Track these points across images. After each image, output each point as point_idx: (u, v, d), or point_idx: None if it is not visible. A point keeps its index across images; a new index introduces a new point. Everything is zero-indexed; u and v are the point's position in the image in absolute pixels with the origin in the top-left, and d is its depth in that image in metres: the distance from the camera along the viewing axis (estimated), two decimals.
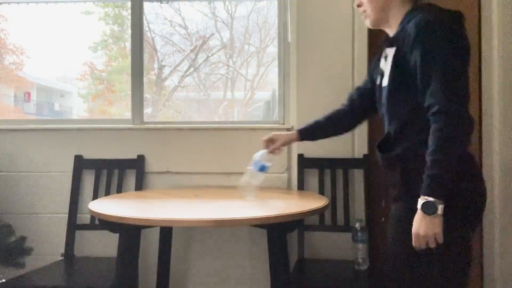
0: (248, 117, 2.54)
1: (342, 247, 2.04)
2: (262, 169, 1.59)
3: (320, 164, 2.06)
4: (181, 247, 2.16)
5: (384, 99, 1.24)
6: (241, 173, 2.06)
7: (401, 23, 1.19)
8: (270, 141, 1.62)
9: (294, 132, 1.62)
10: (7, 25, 2.53)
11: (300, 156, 2.08)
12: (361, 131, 2.04)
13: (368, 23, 1.30)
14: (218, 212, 1.43)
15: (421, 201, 1.05)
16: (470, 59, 1.11)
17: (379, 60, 1.30)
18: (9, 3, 2.44)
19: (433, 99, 1.05)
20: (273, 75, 2.36)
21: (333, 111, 1.56)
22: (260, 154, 1.60)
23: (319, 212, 1.51)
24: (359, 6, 1.30)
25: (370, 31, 2.08)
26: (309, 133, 1.60)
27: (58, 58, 2.57)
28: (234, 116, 2.59)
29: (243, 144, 2.11)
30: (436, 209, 1.03)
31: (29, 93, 2.70)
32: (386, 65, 1.23)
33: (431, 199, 1.03)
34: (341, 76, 2.08)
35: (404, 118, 1.19)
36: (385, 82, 1.22)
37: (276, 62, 2.28)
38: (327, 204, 1.56)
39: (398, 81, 1.18)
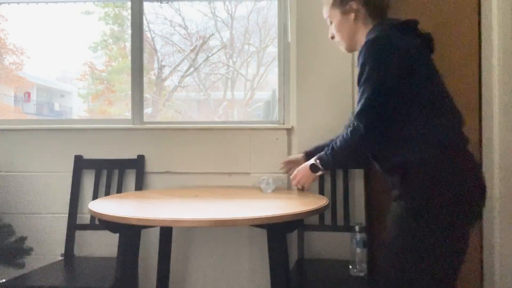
0: (248, 117, 2.54)
1: (342, 247, 2.04)
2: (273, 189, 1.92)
3: None
4: (181, 247, 2.16)
5: None
6: (241, 173, 2.07)
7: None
8: (288, 165, 1.93)
9: (301, 155, 1.87)
10: (7, 25, 2.53)
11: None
12: None
13: (344, 50, 1.47)
14: (218, 212, 1.43)
15: (313, 161, 1.47)
16: (409, 68, 1.18)
17: None
18: (9, 3, 2.45)
19: (355, 115, 1.24)
20: (273, 75, 2.36)
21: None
22: (270, 182, 1.91)
23: (319, 212, 1.51)
24: (332, 38, 1.49)
25: None
26: (313, 155, 1.66)
27: (58, 58, 2.57)
28: (234, 116, 2.59)
29: (243, 144, 2.11)
30: (318, 170, 1.49)
31: (29, 93, 2.70)
32: None
33: (319, 165, 1.46)
34: (341, 76, 2.08)
35: (383, 134, 1.26)
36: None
37: (276, 62, 2.28)
38: (327, 204, 1.56)
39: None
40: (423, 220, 1.14)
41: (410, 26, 1.26)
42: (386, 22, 1.30)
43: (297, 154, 1.93)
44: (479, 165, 1.23)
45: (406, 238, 1.17)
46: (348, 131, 1.27)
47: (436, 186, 1.14)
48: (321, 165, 1.45)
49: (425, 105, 1.17)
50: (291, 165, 1.89)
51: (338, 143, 1.33)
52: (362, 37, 1.33)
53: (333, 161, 1.39)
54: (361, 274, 1.76)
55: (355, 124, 1.24)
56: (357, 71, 2.04)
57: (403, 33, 1.21)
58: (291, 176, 1.61)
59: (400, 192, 1.23)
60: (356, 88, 2.04)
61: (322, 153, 1.44)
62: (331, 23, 1.48)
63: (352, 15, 1.37)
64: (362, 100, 1.21)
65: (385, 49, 1.17)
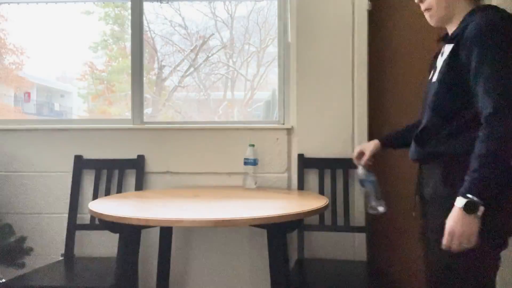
0: (248, 117, 2.54)
1: (342, 247, 2.05)
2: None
3: (320, 164, 2.06)
4: (181, 247, 2.16)
5: (431, 93, 1.24)
6: (241, 173, 2.07)
7: (463, 21, 1.19)
8: (360, 156, 1.65)
9: (376, 141, 1.62)
10: (7, 25, 2.53)
11: (300, 156, 2.08)
12: (361, 131, 2.05)
13: (431, 21, 1.29)
14: (218, 212, 1.43)
15: (463, 199, 1.03)
16: None
17: (435, 58, 1.31)
18: (9, 3, 2.45)
19: (486, 102, 1.05)
20: (273, 75, 2.36)
21: (415, 121, 1.49)
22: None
23: (319, 212, 1.51)
24: (421, 2, 1.29)
25: (370, 31, 2.08)
26: (390, 141, 1.60)
27: (58, 58, 2.57)
28: (234, 116, 2.59)
29: (243, 144, 2.11)
30: (478, 209, 1.02)
31: (29, 93, 2.70)
32: (440, 61, 1.24)
33: (475, 198, 1.02)
34: (341, 76, 2.08)
35: (449, 114, 1.18)
36: (435, 77, 1.23)
37: (276, 62, 2.28)
38: (327, 204, 1.56)
39: (450, 77, 1.18)
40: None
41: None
42: (498, 9, 1.17)
43: (369, 143, 1.65)
44: None
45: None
46: (490, 131, 1.04)
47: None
48: (482, 193, 1.03)
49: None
50: (359, 159, 1.64)
51: (483, 149, 1.04)
52: (459, 14, 1.21)
53: (494, 174, 1.04)
54: (382, 210, 1.58)
55: (500, 117, 1.03)
56: (357, 71, 2.05)
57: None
58: (445, 241, 1.08)
59: (438, 191, 1.17)
60: (356, 88, 2.07)
61: (469, 178, 1.04)
62: None
63: None
64: (495, 95, 1.04)
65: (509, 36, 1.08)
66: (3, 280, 1.85)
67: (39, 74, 2.78)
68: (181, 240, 2.16)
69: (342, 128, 2.07)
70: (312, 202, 1.58)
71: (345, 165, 2.04)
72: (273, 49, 2.37)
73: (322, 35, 2.10)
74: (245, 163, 2.02)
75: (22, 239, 2.06)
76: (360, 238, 2.03)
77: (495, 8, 1.18)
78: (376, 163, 1.67)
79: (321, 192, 2.03)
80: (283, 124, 2.21)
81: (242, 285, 2.14)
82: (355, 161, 1.66)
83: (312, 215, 1.43)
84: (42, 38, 2.50)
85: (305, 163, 2.07)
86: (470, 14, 1.18)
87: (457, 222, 1.04)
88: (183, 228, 2.13)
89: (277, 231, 1.47)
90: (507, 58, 1.07)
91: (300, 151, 2.09)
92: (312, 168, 2.08)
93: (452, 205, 1.07)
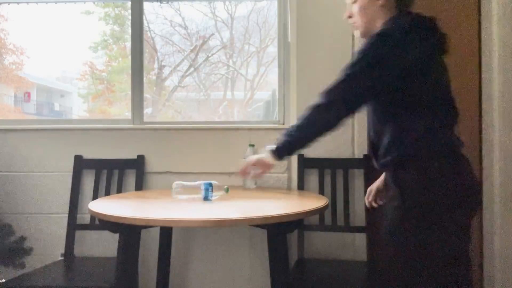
0: (248, 117, 2.54)
1: (342, 247, 2.05)
2: None
3: (320, 164, 2.06)
4: (181, 247, 2.16)
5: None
6: None
7: None
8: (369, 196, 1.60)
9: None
10: (7, 25, 2.53)
11: (300, 156, 2.08)
12: (361, 131, 2.05)
13: (357, 34, 1.37)
14: (218, 212, 1.43)
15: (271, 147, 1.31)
16: (416, 71, 1.14)
17: None
18: (9, 3, 2.45)
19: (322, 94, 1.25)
20: (273, 75, 2.36)
21: None
22: None
23: (319, 212, 1.50)
24: (349, 17, 1.37)
25: None
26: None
27: (58, 58, 2.57)
28: (234, 116, 2.59)
29: (243, 144, 2.11)
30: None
31: (29, 93, 2.70)
32: None
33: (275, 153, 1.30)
34: None
35: (379, 129, 1.24)
36: None
37: (276, 62, 2.28)
38: (327, 204, 1.56)
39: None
40: (414, 221, 1.11)
41: (427, 24, 1.20)
42: (404, 15, 1.22)
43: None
44: (471, 167, 1.17)
45: (404, 247, 1.12)
46: (309, 111, 1.25)
47: (427, 186, 1.11)
48: (281, 150, 1.31)
49: (422, 105, 1.15)
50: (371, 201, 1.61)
51: (301, 122, 1.27)
52: (379, 25, 1.25)
53: (296, 141, 1.29)
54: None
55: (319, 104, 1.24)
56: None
57: (416, 30, 1.16)
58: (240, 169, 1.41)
59: (392, 192, 1.20)
60: None
61: (285, 137, 1.31)
62: (353, 2, 1.35)
63: (381, 1, 1.26)
64: (334, 82, 1.24)
65: (384, 48, 1.15)
66: (3, 280, 1.84)
67: (39, 74, 2.78)
68: (181, 240, 2.16)
69: (342, 128, 2.06)
70: (312, 202, 1.58)
71: (345, 165, 2.04)
72: (273, 49, 2.37)
73: (322, 35, 2.10)
74: None
75: (22, 239, 2.07)
76: (360, 238, 2.03)
77: (401, 15, 1.22)
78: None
79: (321, 192, 2.03)
80: (283, 124, 2.21)
81: (242, 285, 2.14)
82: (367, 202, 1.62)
83: (312, 215, 1.43)
84: (42, 38, 2.50)
85: (305, 163, 2.07)
86: (383, 24, 1.23)
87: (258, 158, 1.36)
88: (183, 228, 2.13)
89: (277, 231, 1.47)
90: (360, 65, 1.18)
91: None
92: (312, 168, 2.08)
93: (398, 205, 1.14)
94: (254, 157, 1.38)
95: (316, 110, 1.24)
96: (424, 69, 1.16)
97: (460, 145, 1.18)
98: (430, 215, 1.10)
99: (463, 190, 1.12)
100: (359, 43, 2.06)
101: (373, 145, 1.30)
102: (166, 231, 2.02)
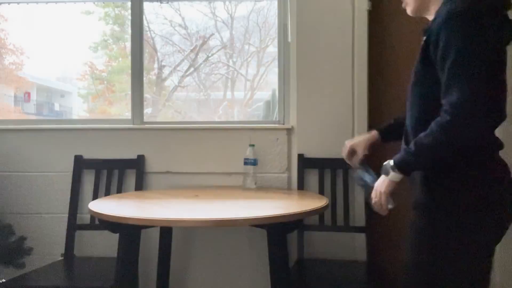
0: (248, 117, 2.54)
1: (342, 247, 2.04)
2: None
3: (320, 164, 2.06)
4: (181, 247, 2.16)
5: (408, 92, 1.18)
6: (241, 173, 2.07)
7: (438, 10, 1.11)
8: (351, 154, 1.50)
9: (373, 133, 1.48)
10: (7, 25, 2.53)
11: (300, 156, 2.08)
12: (361, 131, 2.04)
13: (408, 11, 1.24)
14: (218, 212, 1.43)
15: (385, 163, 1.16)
16: (504, 54, 1.03)
17: None
18: (9, 3, 2.44)
19: (451, 88, 1.00)
20: (273, 75, 2.36)
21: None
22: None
23: (319, 212, 1.51)
24: None
25: (370, 31, 2.08)
26: (390, 134, 1.46)
27: (58, 58, 2.57)
28: (234, 116, 2.59)
29: (243, 144, 2.11)
30: (388, 173, 1.14)
31: (29, 93, 2.70)
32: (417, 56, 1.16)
33: (391, 163, 1.13)
34: (341, 76, 2.08)
35: (420, 114, 1.13)
36: (412, 79, 1.17)
37: (276, 62, 2.28)
38: (327, 204, 1.56)
39: (421, 73, 1.13)
40: (445, 228, 1.06)
41: (502, 10, 1.05)
42: None
43: (361, 137, 1.50)
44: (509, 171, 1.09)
45: (427, 256, 1.08)
46: (441, 124, 1.02)
47: (461, 190, 1.06)
48: (401, 166, 1.12)
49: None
50: (351, 157, 1.50)
51: (428, 136, 1.05)
52: (436, 3, 1.14)
53: (420, 160, 1.09)
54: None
55: (448, 117, 1.00)
56: (357, 70, 2.05)
57: (492, 15, 1.02)
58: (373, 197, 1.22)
59: (419, 198, 1.14)
60: (356, 88, 2.07)
61: (403, 154, 1.12)
62: None
63: None
64: (457, 90, 0.99)
65: (481, 29, 1.00)
66: (3, 280, 1.85)
67: (39, 74, 2.78)
68: (181, 240, 2.16)
69: (342, 128, 2.07)
70: (312, 202, 1.58)
71: (345, 165, 2.03)
72: (273, 49, 2.37)
73: (322, 35, 2.10)
74: (245, 163, 2.02)
75: (22, 239, 2.07)
76: (360, 238, 2.02)
77: None
78: (373, 159, 1.64)
79: (321, 192, 2.03)
80: (283, 124, 2.21)
81: (242, 285, 2.14)
82: (347, 161, 1.52)
83: (312, 215, 1.44)
84: (42, 38, 2.50)
85: (305, 163, 2.07)
86: (445, 3, 1.09)
87: (379, 182, 1.19)
88: (183, 228, 2.13)
89: (277, 231, 1.47)
90: (472, 44, 0.99)
91: (300, 151, 2.09)
92: (312, 168, 2.08)
93: (431, 213, 1.09)
94: (380, 186, 1.18)
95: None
96: (503, 58, 1.05)
97: (499, 146, 1.10)
98: (466, 217, 1.05)
99: (499, 194, 1.07)
100: (359, 43, 2.07)
101: (411, 135, 1.17)
102: (166, 231, 2.02)
